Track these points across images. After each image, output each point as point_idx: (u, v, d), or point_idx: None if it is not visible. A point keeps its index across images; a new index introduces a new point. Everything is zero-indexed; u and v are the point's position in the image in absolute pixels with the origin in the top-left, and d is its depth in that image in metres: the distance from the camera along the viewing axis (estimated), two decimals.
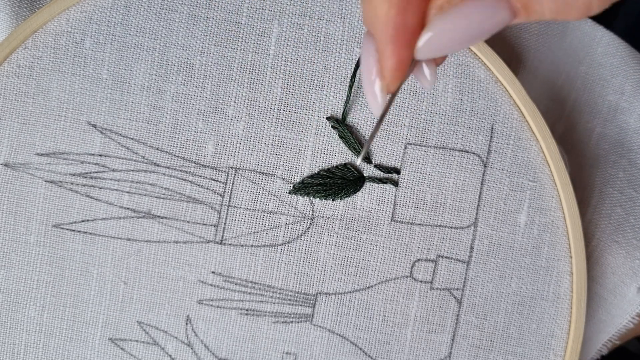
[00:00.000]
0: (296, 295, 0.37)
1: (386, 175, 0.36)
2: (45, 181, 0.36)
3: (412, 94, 0.36)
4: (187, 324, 0.37)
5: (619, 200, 0.42)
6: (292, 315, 0.37)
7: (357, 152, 0.36)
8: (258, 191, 0.36)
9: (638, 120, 0.42)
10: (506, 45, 0.41)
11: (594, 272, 0.41)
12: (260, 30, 0.36)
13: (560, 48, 0.42)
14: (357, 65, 0.35)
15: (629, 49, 0.43)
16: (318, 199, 0.36)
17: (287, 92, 0.36)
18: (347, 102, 0.35)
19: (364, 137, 0.36)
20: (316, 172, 0.36)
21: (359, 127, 0.36)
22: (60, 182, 0.36)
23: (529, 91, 0.37)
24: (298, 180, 0.36)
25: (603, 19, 0.43)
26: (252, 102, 0.36)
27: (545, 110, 0.42)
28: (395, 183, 0.36)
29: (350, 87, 0.35)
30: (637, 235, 0.42)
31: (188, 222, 0.36)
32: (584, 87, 0.43)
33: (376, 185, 0.36)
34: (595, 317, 0.42)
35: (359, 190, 0.36)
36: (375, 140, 0.36)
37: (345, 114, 0.36)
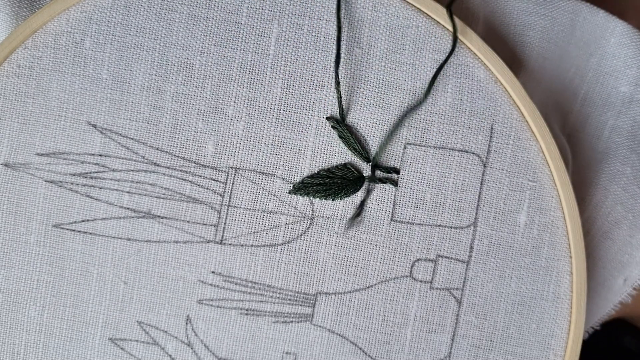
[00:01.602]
0: (296, 295, 0.37)
1: (386, 175, 0.36)
2: (45, 181, 0.36)
3: (412, 94, 0.36)
4: (187, 323, 0.37)
5: (620, 198, 0.41)
6: (292, 315, 0.37)
7: (356, 152, 0.36)
8: (258, 191, 0.36)
9: None
10: (506, 44, 0.40)
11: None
12: (260, 30, 0.36)
13: (569, 42, 0.41)
14: (337, 62, 0.35)
15: None
16: (318, 199, 0.36)
17: (287, 92, 0.36)
18: (339, 101, 0.35)
19: (363, 137, 0.36)
20: (316, 172, 0.36)
21: (359, 127, 0.36)
22: (60, 182, 0.36)
23: (535, 87, 0.36)
24: (298, 180, 0.36)
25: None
26: (252, 102, 0.36)
27: (555, 104, 0.42)
28: (395, 183, 0.36)
29: (337, 86, 0.35)
30: (632, 233, 0.42)
31: (188, 222, 0.36)
32: (596, 80, 0.42)
33: (376, 185, 0.36)
34: None
35: (358, 190, 0.36)
36: (374, 140, 0.36)
37: (343, 114, 0.36)
